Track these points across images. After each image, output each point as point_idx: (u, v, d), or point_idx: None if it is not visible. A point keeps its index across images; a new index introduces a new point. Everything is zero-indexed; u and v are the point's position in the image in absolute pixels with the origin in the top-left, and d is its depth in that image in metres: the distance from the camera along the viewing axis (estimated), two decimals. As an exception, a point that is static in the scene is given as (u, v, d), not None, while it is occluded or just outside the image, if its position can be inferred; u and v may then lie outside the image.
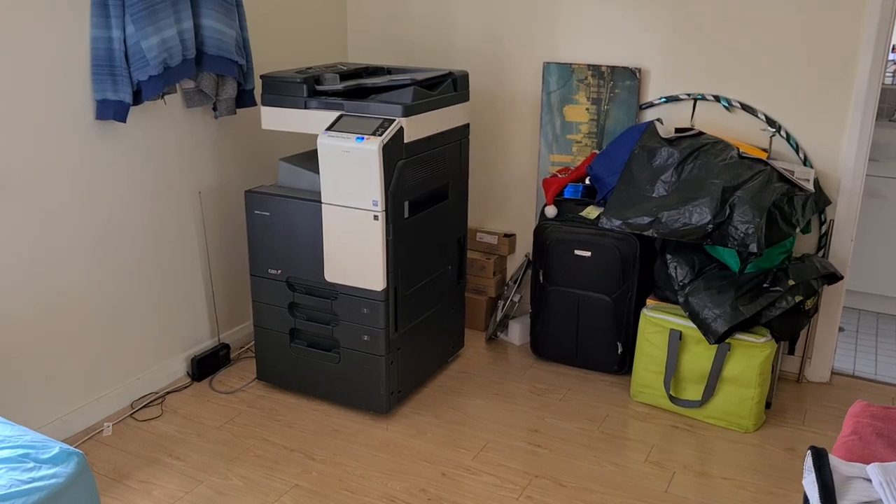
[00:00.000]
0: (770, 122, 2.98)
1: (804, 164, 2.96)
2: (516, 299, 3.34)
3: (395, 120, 2.56)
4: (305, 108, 2.72)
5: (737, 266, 2.76)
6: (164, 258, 2.93)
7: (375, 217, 2.58)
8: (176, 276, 3.00)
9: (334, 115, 2.65)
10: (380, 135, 2.52)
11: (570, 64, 3.26)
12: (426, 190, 2.81)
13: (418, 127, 2.67)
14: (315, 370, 2.90)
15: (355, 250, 2.65)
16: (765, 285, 2.71)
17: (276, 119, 2.79)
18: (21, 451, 1.64)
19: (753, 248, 2.59)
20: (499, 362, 3.30)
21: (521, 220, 3.56)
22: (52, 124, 2.45)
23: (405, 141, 2.61)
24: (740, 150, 2.82)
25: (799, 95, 2.91)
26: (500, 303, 3.44)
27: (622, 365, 3.14)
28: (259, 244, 2.84)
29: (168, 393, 2.99)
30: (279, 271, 2.83)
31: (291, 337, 2.91)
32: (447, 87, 2.86)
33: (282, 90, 2.75)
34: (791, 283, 2.69)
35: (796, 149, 2.96)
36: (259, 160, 3.31)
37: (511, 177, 3.53)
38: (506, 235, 3.56)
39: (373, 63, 3.24)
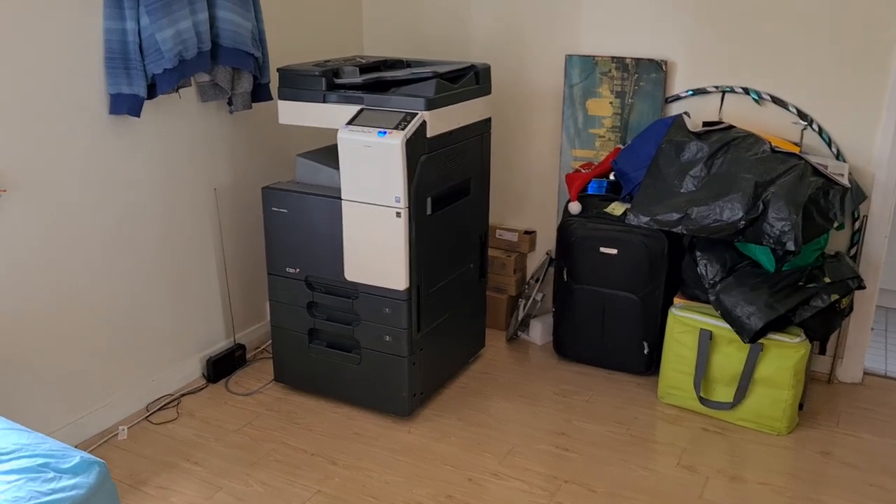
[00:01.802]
0: (801, 115, 2.89)
1: (837, 158, 2.87)
2: (538, 298, 3.25)
3: (417, 114, 2.48)
4: (324, 101, 2.64)
5: (771, 264, 2.67)
6: (178, 256, 2.86)
7: (398, 214, 2.50)
8: (190, 274, 2.92)
9: (354, 109, 2.57)
10: (402, 129, 2.44)
11: (594, 56, 3.17)
12: (448, 186, 2.73)
13: (441, 121, 2.59)
14: (335, 371, 2.82)
15: (377, 248, 2.57)
16: (800, 283, 2.63)
17: (293, 113, 2.71)
18: (40, 461, 1.56)
19: (791, 245, 2.51)
20: (521, 363, 3.22)
21: (541, 217, 3.48)
22: (64, 120, 2.37)
23: (428, 135, 2.52)
24: (772, 144, 2.73)
25: (831, 87, 2.82)
26: (521, 301, 3.36)
27: (648, 365, 3.05)
28: (277, 242, 2.76)
29: (183, 395, 2.91)
30: (297, 270, 2.76)
31: (310, 337, 2.83)
32: (469, 80, 2.77)
33: (300, 84, 2.67)
34: (827, 280, 2.60)
35: (829, 143, 2.87)
36: (275, 156, 3.23)
37: (531, 172, 3.45)
38: (526, 232, 3.48)
39: (391, 56, 3.16)
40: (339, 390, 2.85)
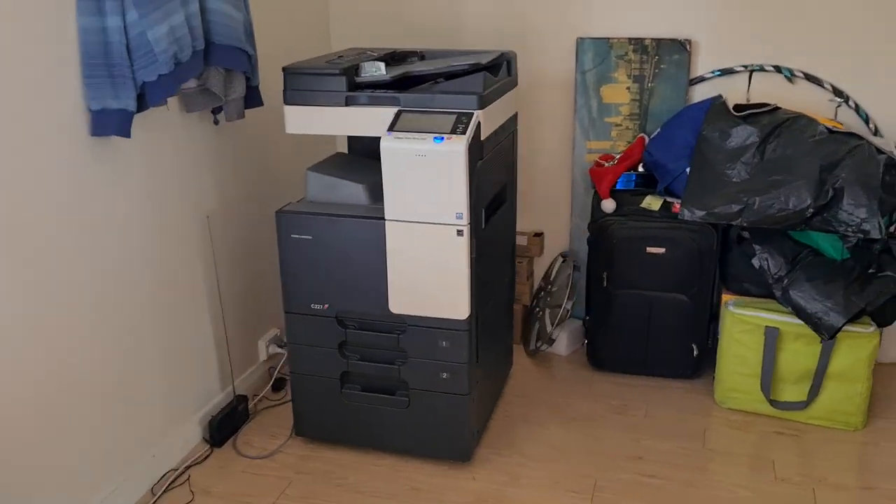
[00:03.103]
0: (837, 91, 2.76)
1: (875, 134, 2.76)
2: (569, 307, 2.97)
3: (472, 113, 2.12)
4: (346, 105, 2.21)
5: (837, 252, 2.52)
6: (169, 302, 2.35)
7: (459, 232, 2.14)
8: (182, 321, 2.42)
9: (389, 112, 2.17)
10: (462, 132, 2.07)
11: (608, 38, 2.90)
12: (493, 194, 2.39)
13: (490, 120, 2.24)
14: (374, 418, 2.42)
15: (432, 274, 2.19)
16: (870, 270, 2.49)
17: (306, 121, 2.27)
18: None
19: (875, 233, 2.35)
20: (555, 380, 2.93)
21: (550, 217, 3.19)
22: (36, 146, 1.82)
23: (482, 137, 2.17)
24: (828, 125, 2.57)
25: (868, 62, 2.70)
26: (538, 311, 3.06)
27: (696, 368, 2.85)
28: (298, 275, 2.32)
29: (189, 467, 2.42)
30: (326, 306, 2.33)
31: (342, 382, 2.41)
32: (503, 71, 2.44)
33: (314, 85, 2.23)
34: (900, 265, 2.47)
35: (866, 120, 2.76)
36: (268, 172, 2.76)
37: (537, 168, 3.15)
38: (535, 235, 3.19)
39: (380, 47, 2.75)
40: (379, 439, 2.45)
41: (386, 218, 2.17)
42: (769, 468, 2.39)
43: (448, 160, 2.06)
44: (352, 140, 2.63)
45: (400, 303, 2.26)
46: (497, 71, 2.38)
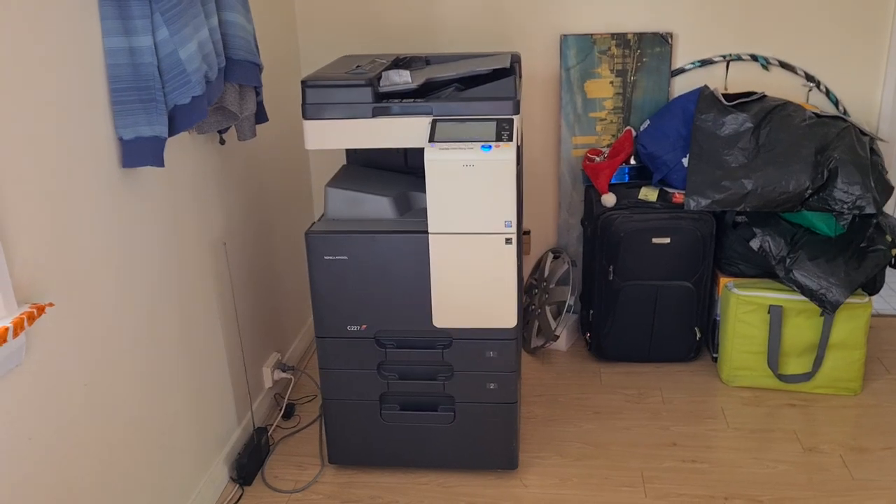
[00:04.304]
0: (809, 77, 2.91)
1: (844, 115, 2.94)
2: (571, 302, 2.99)
3: (512, 119, 2.09)
4: (374, 116, 2.12)
5: (831, 230, 2.67)
6: (194, 337, 2.18)
7: (508, 240, 2.10)
8: (204, 355, 2.26)
9: (423, 121, 2.10)
10: (509, 139, 2.03)
11: (591, 34, 2.93)
12: (519, 197, 2.37)
13: (521, 123, 2.21)
14: (415, 436, 2.35)
15: (479, 284, 2.14)
16: (863, 245, 2.65)
17: (329, 136, 2.15)
18: None
19: (870, 209, 2.51)
20: (565, 375, 2.95)
21: (538, 215, 3.20)
22: (72, 183, 1.63)
23: (519, 143, 2.14)
24: (814, 110, 2.71)
25: (836, 48, 2.87)
26: (540, 309, 3.07)
27: (698, 350, 2.95)
28: (331, 298, 2.21)
29: (225, 512, 2.27)
30: (363, 327, 2.23)
31: (381, 403, 2.32)
32: (516, 74, 2.41)
33: (337, 98, 2.12)
34: (889, 239, 2.65)
35: (836, 102, 2.93)
36: (275, 192, 2.62)
37: (525, 166, 3.14)
38: (524, 233, 3.19)
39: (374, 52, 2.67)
40: (421, 457, 2.38)
41: (430, 231, 2.10)
42: (794, 440, 2.51)
43: (498, 168, 2.02)
44: (349, 151, 2.54)
45: (445, 317, 2.20)
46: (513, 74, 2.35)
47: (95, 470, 1.73)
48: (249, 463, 2.39)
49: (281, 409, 2.71)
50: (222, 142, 2.29)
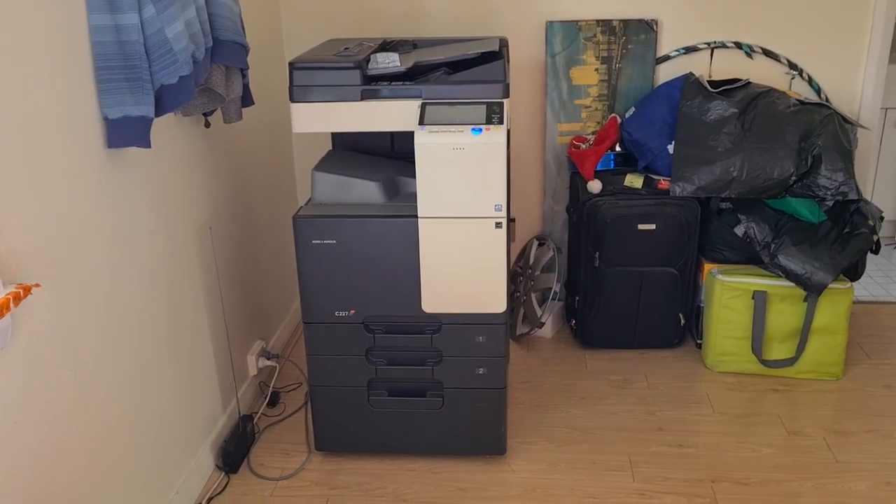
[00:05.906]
0: (791, 65, 2.93)
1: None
2: (557, 289, 2.99)
3: (502, 102, 2.08)
4: (362, 99, 2.10)
5: (815, 216, 2.69)
6: (179, 322, 2.15)
7: (498, 224, 2.10)
8: (189, 341, 2.23)
9: (412, 105, 2.08)
10: (500, 122, 2.03)
11: (577, 21, 2.93)
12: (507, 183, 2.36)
13: (508, 108, 2.20)
14: (403, 422, 2.34)
15: (468, 269, 2.14)
16: (846, 230, 2.68)
17: (317, 119, 2.13)
18: None
19: (853, 195, 2.54)
20: (551, 362, 2.95)
21: (523, 201, 3.20)
22: (42, 162, 1.59)
23: (509, 127, 2.14)
24: (798, 97, 2.73)
25: (817, 36, 2.89)
26: (525, 296, 3.07)
27: (682, 336, 2.97)
28: (319, 283, 2.19)
29: (211, 499, 2.24)
30: (352, 312, 2.22)
31: (369, 389, 2.31)
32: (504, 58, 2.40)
33: (325, 80, 2.10)
34: (871, 223, 2.68)
35: (818, 90, 2.95)
36: (257, 176, 2.58)
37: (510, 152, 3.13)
38: (510, 220, 3.18)
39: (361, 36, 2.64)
40: (408, 443, 2.37)
41: (419, 216, 2.09)
42: (778, 424, 2.53)
43: (488, 151, 2.01)
44: (335, 136, 2.52)
45: (434, 302, 2.19)
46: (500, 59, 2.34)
47: (81, 455, 1.70)
48: (235, 451, 2.37)
49: (266, 397, 2.68)
50: (207, 124, 2.26)
